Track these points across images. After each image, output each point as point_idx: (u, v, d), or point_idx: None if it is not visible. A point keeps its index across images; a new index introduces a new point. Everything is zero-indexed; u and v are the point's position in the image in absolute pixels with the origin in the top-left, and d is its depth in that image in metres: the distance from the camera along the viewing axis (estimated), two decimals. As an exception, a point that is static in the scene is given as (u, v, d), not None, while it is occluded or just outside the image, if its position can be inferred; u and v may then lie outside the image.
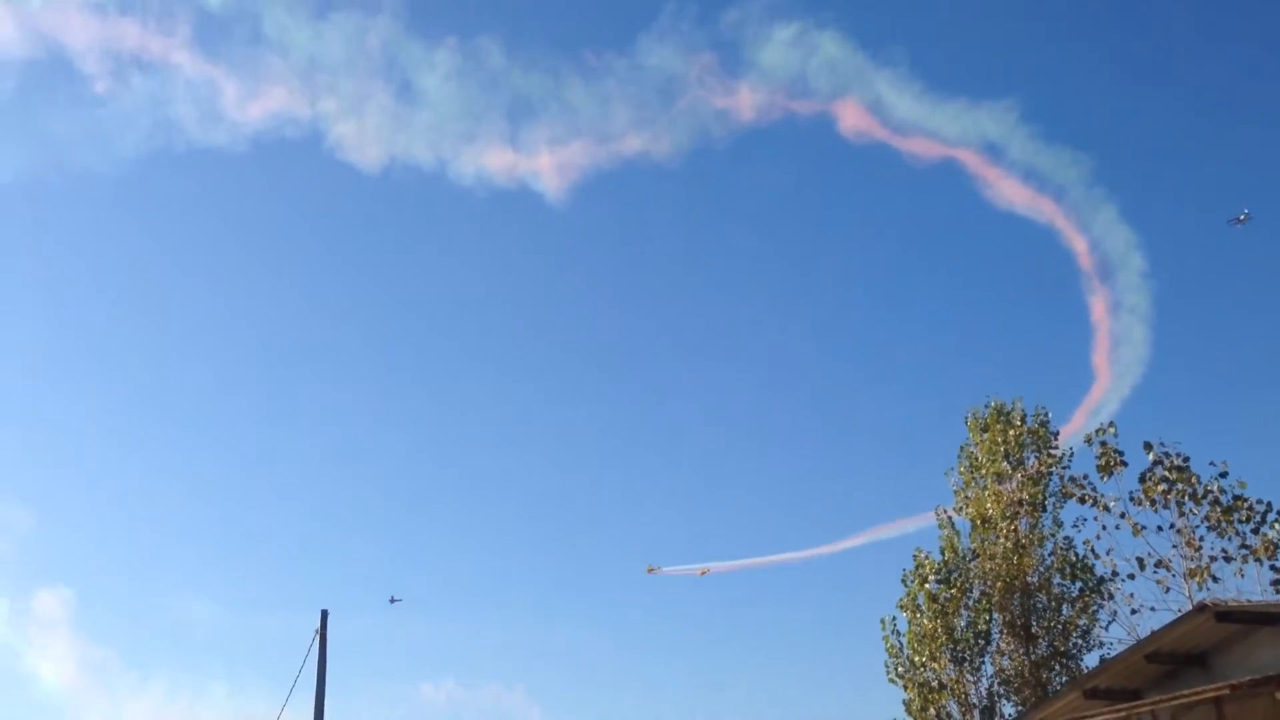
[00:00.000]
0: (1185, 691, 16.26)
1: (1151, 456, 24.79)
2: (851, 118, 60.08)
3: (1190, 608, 19.55)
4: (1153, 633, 17.54)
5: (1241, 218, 50.17)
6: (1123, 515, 25.07)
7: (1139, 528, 24.83)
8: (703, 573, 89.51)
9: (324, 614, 37.50)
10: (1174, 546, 24.36)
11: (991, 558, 28.71)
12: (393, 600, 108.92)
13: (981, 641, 28.65)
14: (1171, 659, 17.54)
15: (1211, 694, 15.81)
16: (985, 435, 29.84)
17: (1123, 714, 17.39)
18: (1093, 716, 17.85)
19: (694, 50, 63.49)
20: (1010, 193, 57.49)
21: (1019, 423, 29.44)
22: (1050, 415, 29.56)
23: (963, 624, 28.74)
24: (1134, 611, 25.48)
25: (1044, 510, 28.65)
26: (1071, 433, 30.22)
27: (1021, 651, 28.29)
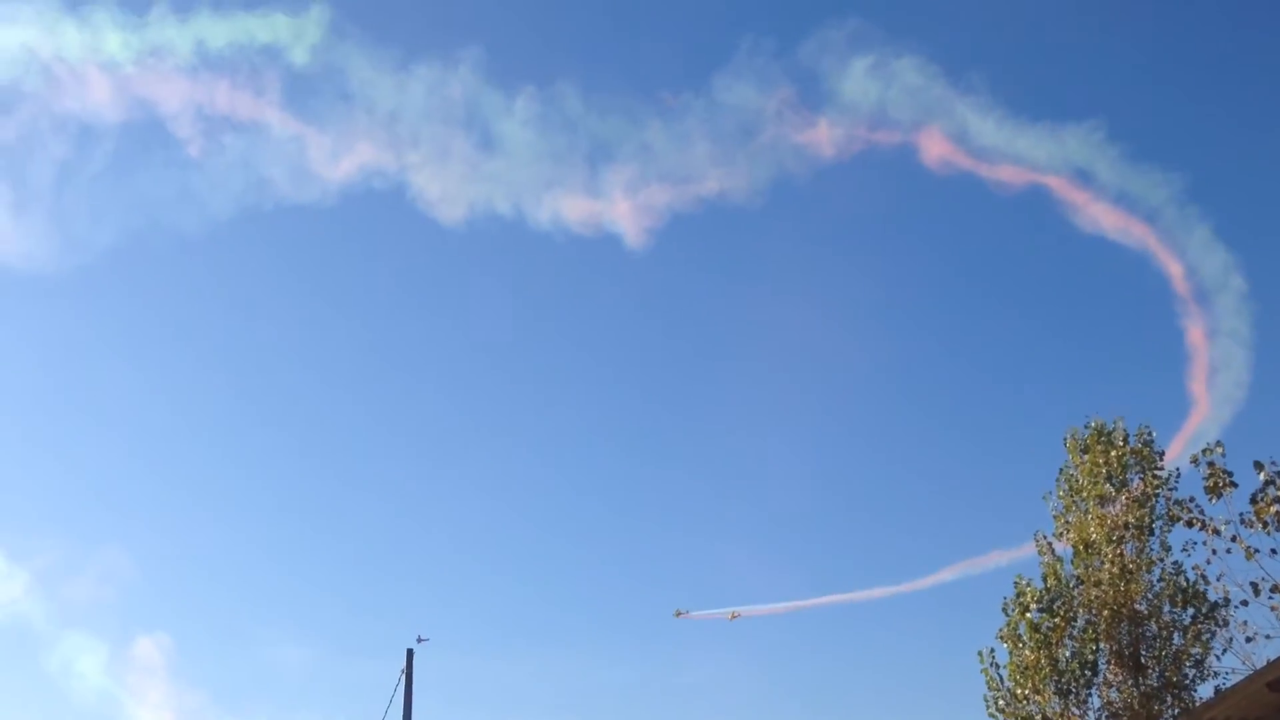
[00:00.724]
0: (1312, 721, 15.36)
1: (1263, 476, 23.44)
2: (934, 147, 59.22)
3: (1311, 634, 18.56)
4: (1275, 659, 16.55)
5: None
6: (1234, 539, 23.74)
7: (1251, 551, 23.54)
8: (733, 617, 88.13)
9: (409, 652, 37.54)
10: (1289, 571, 23.10)
11: (1096, 584, 27.53)
12: (420, 640, 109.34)
13: (1088, 673, 27.44)
14: (1295, 687, 16.56)
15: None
16: (1086, 457, 28.72)
17: (1245, 746, 16.47)
18: (1212, 749, 16.93)
19: (772, 85, 63.22)
20: (1100, 216, 56.09)
21: (1121, 443, 28.28)
22: (1155, 434, 28.35)
23: (1067, 654, 27.56)
24: (1249, 639, 24.22)
25: (1151, 534, 27.44)
26: (1169, 462, 28.94)
27: (1130, 683, 27.05)
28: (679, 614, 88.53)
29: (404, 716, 37.83)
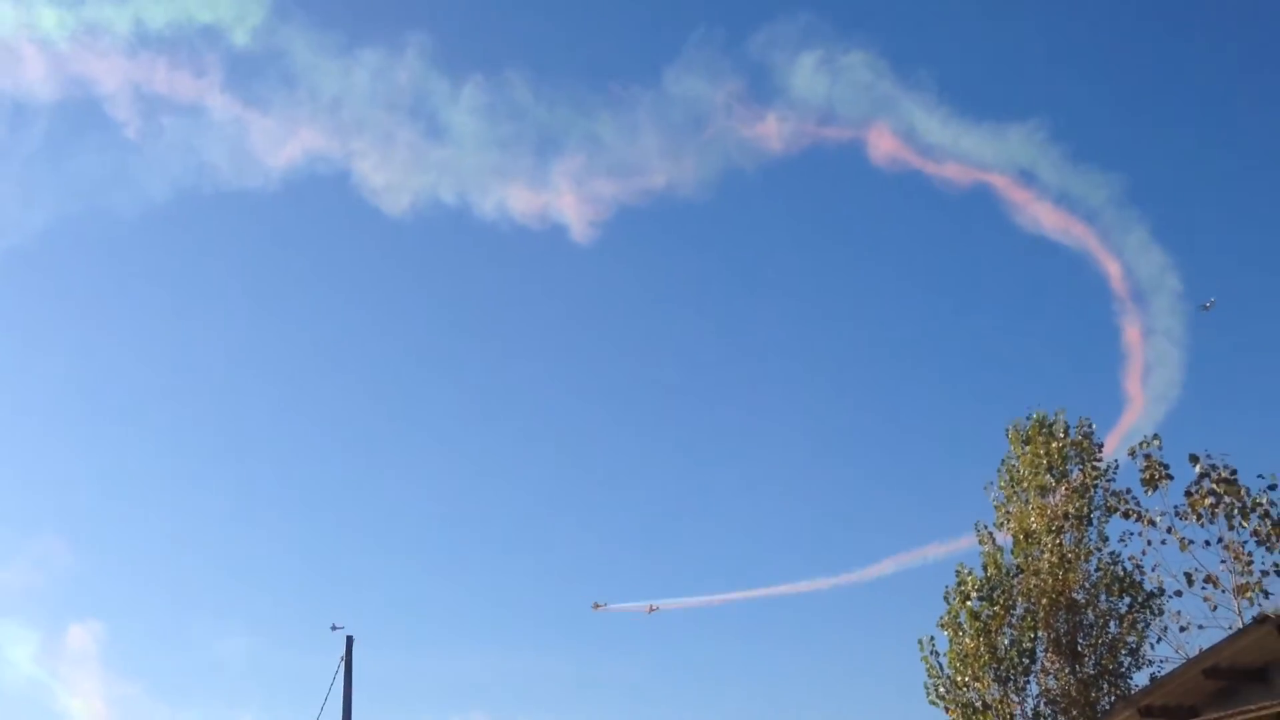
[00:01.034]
0: (1245, 708, 15.60)
1: (1199, 469, 23.93)
2: (881, 144, 59.45)
3: (1239, 625, 18.87)
4: (1212, 647, 16.80)
5: (1208, 305, 49.45)
6: (1169, 530, 24.22)
7: (1186, 542, 24.01)
8: (651, 610, 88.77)
9: (349, 640, 37.14)
10: (1222, 562, 23.51)
11: (1036, 573, 27.88)
12: (334, 629, 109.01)
13: (1026, 660, 27.81)
14: (1230, 674, 16.78)
15: (1273, 710, 15.20)
16: (1027, 448, 29.07)
17: (1181, 731, 16.73)
18: (1149, 735, 17.17)
19: (721, 78, 63.01)
20: (1042, 216, 56.70)
21: (1062, 435, 28.65)
22: (1095, 427, 28.74)
23: (1006, 642, 27.91)
24: (1183, 629, 24.70)
25: (1089, 524, 27.84)
26: (1106, 457, 29.36)
27: (1068, 670, 27.44)
28: (597, 606, 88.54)
29: (344, 704, 37.46)
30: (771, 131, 63.16)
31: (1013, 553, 28.90)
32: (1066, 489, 28.06)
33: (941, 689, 28.66)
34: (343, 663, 37.70)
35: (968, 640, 28.11)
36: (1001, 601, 28.06)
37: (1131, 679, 27.17)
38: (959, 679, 28.13)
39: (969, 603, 28.41)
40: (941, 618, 29.08)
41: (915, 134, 57.51)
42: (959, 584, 29.02)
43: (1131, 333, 52.42)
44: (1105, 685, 27.19)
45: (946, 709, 28.47)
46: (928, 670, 29.11)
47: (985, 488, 30.23)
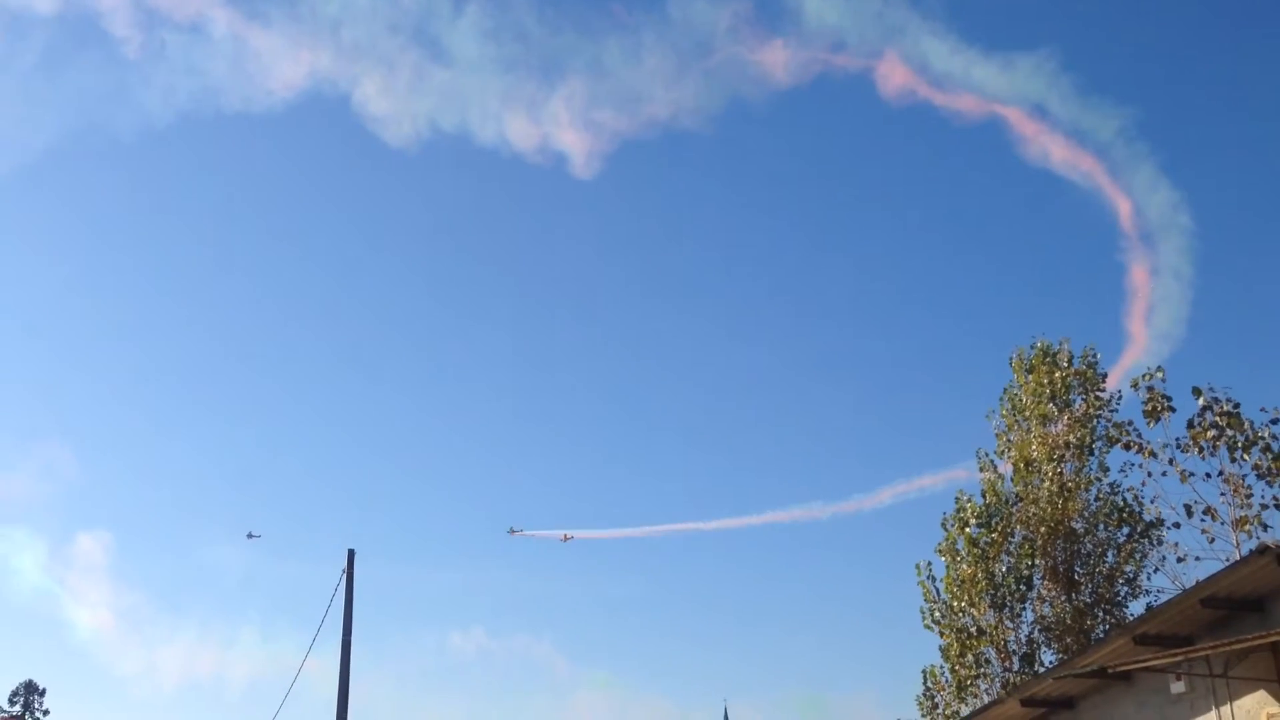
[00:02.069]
0: (1242, 637, 15.68)
1: (1201, 401, 23.88)
2: (892, 74, 58.37)
3: (1237, 557, 18.92)
4: (1210, 576, 16.85)
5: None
6: (1170, 462, 24.24)
7: (1186, 475, 24.05)
8: (565, 538, 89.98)
9: (350, 553, 37.29)
10: (1222, 494, 23.57)
11: (1035, 502, 27.93)
12: (250, 536, 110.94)
13: (1023, 587, 27.96)
14: (1228, 604, 16.86)
15: (1269, 639, 15.27)
16: (1030, 377, 28.95)
17: (1177, 659, 16.82)
18: (1145, 661, 17.28)
19: (728, 1, 61.43)
20: (1051, 150, 55.87)
21: (1066, 364, 28.49)
22: (1099, 356, 28.57)
23: (1004, 569, 28.07)
24: (1180, 560, 24.85)
25: (1090, 454, 27.78)
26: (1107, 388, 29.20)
27: (1064, 598, 27.60)
28: (513, 532, 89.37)
29: (345, 617, 37.78)
30: (779, 60, 61.90)
31: (1013, 481, 28.93)
32: (1068, 419, 27.98)
33: (937, 614, 28.89)
34: (344, 576, 37.97)
35: (965, 566, 28.27)
36: (1000, 529, 28.15)
37: (1128, 608, 27.35)
38: (955, 604, 28.33)
39: (967, 529, 28.51)
40: (939, 544, 29.23)
41: (926, 64, 56.55)
42: (958, 510, 29.11)
43: (1138, 271, 51.73)
44: (1101, 613, 27.37)
45: (941, 633, 28.71)
46: (924, 595, 29.33)
47: (987, 415, 30.21)
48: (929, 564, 29.49)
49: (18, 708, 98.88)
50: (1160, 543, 26.76)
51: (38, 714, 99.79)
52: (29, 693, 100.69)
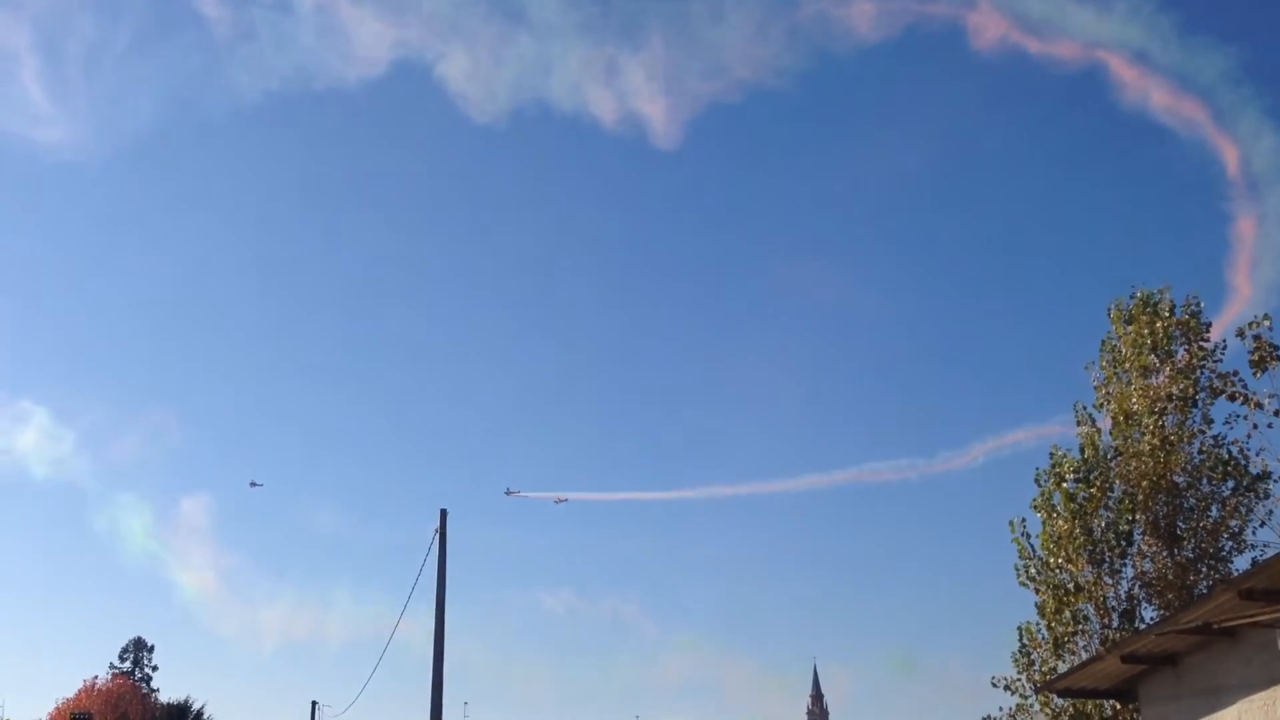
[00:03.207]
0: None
1: (1311, 350, 22.91)
2: (985, 24, 56.55)
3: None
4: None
5: None
6: (1276, 413, 23.28)
7: (1294, 426, 23.12)
8: (559, 500, 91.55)
9: (443, 513, 37.90)
10: (1332, 447, 22.67)
11: (1135, 456, 27.10)
12: (253, 484, 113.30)
13: (1122, 543, 27.22)
14: (1341, 558, 16.28)
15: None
16: (1130, 327, 28.01)
17: (1285, 615, 16.26)
18: (1252, 617, 16.74)
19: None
20: (1152, 94, 53.74)
21: (1168, 314, 27.50)
22: (1203, 305, 27.52)
23: (1102, 525, 27.35)
24: (1288, 515, 24.03)
25: (1193, 406, 26.84)
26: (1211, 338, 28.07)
27: (1166, 553, 26.82)
28: (509, 493, 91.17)
29: (438, 577, 38.37)
30: (866, 13, 60.38)
31: (1111, 434, 28.12)
32: (1170, 370, 27.05)
33: (1033, 570, 28.29)
34: (437, 536, 38.46)
35: (1061, 522, 27.59)
36: (1098, 484, 27.40)
37: (1232, 563, 26.49)
38: (1051, 560, 27.69)
39: (1064, 484, 27.81)
40: (1034, 499, 28.56)
41: (1017, 10, 54.71)
42: (1053, 466, 28.40)
43: (1244, 221, 49.55)
44: (1204, 569, 26.56)
45: (1037, 590, 28.13)
46: (1019, 551, 28.73)
47: (1086, 367, 29.34)
48: (1023, 520, 28.87)
49: (128, 664, 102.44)
50: (1267, 496, 25.88)
51: (147, 670, 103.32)
52: (138, 649, 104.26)
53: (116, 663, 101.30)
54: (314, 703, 77.92)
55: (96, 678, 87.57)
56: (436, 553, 38.43)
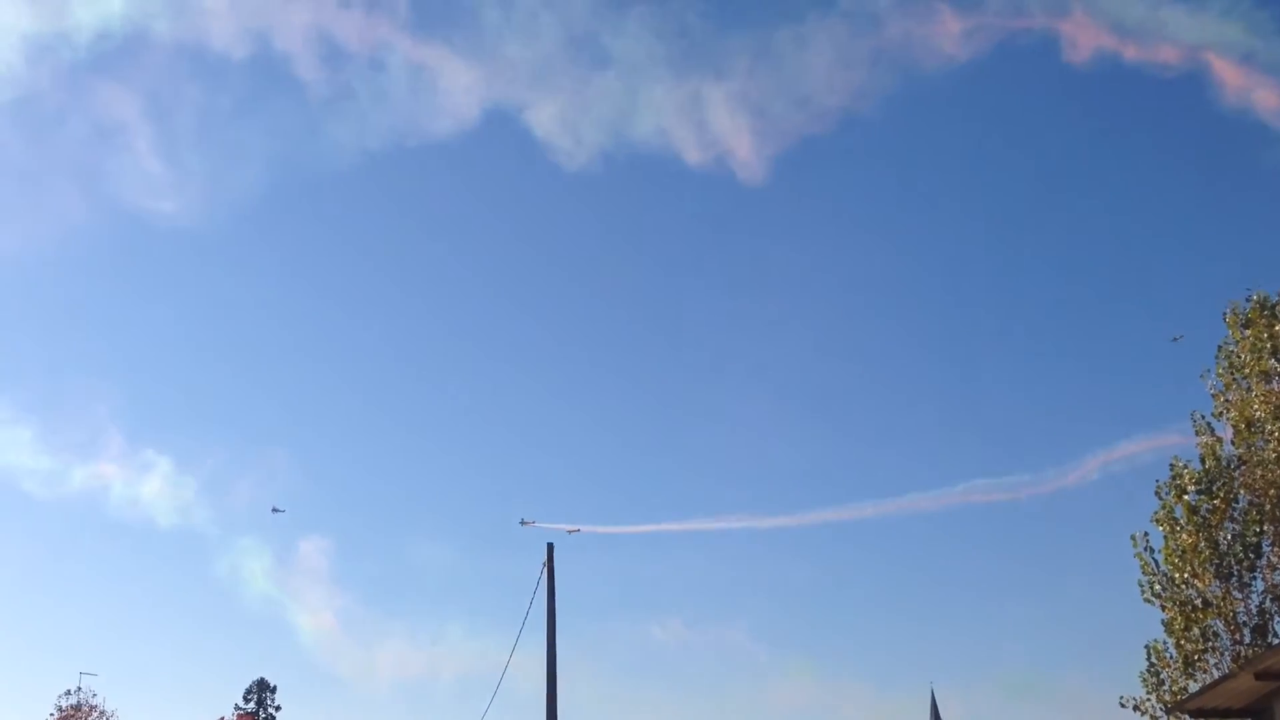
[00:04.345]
0: None
1: None
2: (1077, 33, 55.20)
3: None
4: None
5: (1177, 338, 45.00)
6: None
7: None
8: (571, 531, 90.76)
9: (550, 547, 37.95)
10: None
11: (1260, 464, 26.13)
12: (275, 510, 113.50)
13: (1251, 555, 26.21)
14: None
15: None
16: (1248, 332, 27.09)
17: None
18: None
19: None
20: (1257, 96, 51.87)
21: (1286, 317, 26.51)
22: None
23: (1229, 537, 26.39)
24: None
25: (1319, 410, 25.86)
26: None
27: (1298, 565, 25.83)
28: (524, 523, 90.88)
29: (548, 609, 38.43)
30: (953, 31, 59.15)
31: (1233, 443, 27.16)
32: (1294, 374, 26.10)
33: (1158, 587, 27.40)
34: (544, 570, 38.61)
35: (1185, 536, 26.70)
36: (1222, 494, 26.47)
37: (1370, 574, 25.40)
38: (1177, 576, 26.78)
39: (1185, 497, 26.92)
40: (1156, 513, 27.68)
41: (1113, 18, 53.29)
42: (1174, 478, 27.52)
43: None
44: (1339, 579, 25.52)
45: (1163, 607, 27.23)
46: (1142, 567, 27.86)
47: (1201, 376, 28.42)
48: (1145, 535, 28.00)
49: (251, 704, 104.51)
50: (1404, 503, 24.80)
51: (270, 710, 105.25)
52: (261, 690, 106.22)
53: (241, 704, 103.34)
54: (432, 739, 78.50)
55: (222, 718, 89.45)
56: (545, 586, 38.55)
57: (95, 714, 76.73)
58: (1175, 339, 43.08)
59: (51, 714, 75.24)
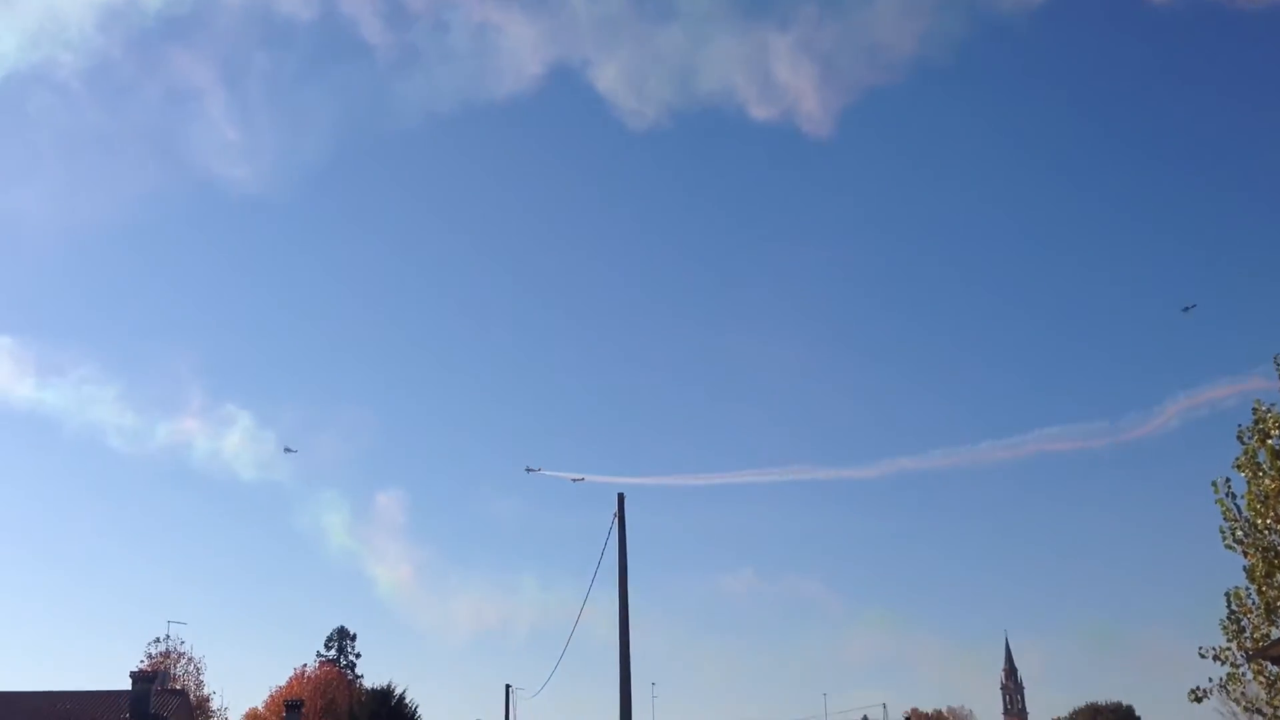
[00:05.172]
0: None
1: None
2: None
3: None
4: None
5: (1189, 308, 43.33)
6: None
7: None
8: (575, 480, 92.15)
9: (620, 497, 38.24)
10: None
11: (1347, 405, 25.44)
12: (287, 450, 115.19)
13: (1337, 500, 25.59)
14: None
15: None
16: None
17: None
18: None
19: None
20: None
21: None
22: None
23: (1314, 481, 25.71)
24: None
25: None
26: None
27: (1384, 509, 25.11)
28: (529, 470, 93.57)
29: (619, 559, 38.73)
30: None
31: (1321, 386, 26.41)
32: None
33: (1239, 533, 26.83)
34: (615, 520, 38.82)
35: (1268, 481, 26.05)
36: (1308, 438, 25.75)
37: None
38: (1259, 522, 26.18)
39: (1269, 441, 26.24)
40: (1238, 458, 27.02)
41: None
42: (1256, 422, 26.81)
43: None
44: None
45: (1245, 553, 26.67)
46: (1223, 513, 27.27)
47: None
48: (1227, 480, 27.37)
49: (333, 652, 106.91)
50: None
51: (350, 657, 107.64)
52: (341, 638, 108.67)
53: (322, 651, 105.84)
54: (508, 686, 79.84)
55: (305, 665, 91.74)
56: (616, 537, 38.80)
57: (184, 660, 79.37)
58: (1186, 309, 42.07)
59: (142, 661, 77.98)
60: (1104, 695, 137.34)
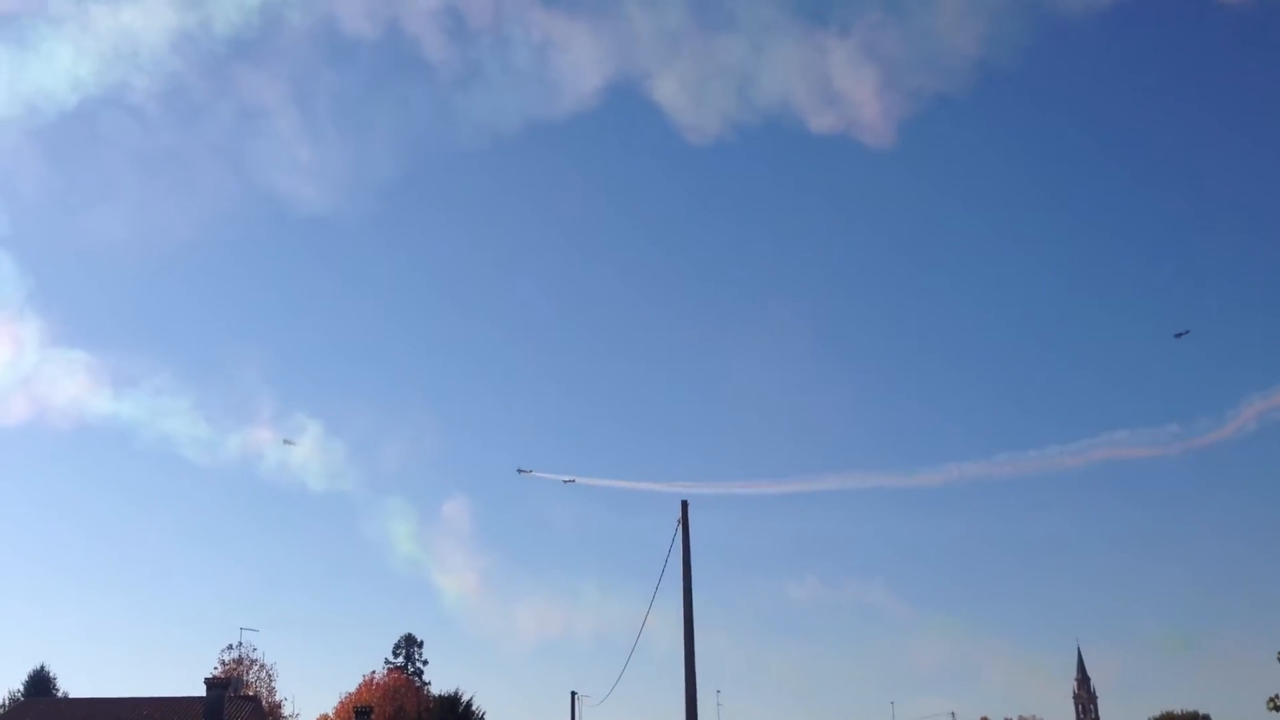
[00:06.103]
0: None
1: None
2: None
3: None
4: None
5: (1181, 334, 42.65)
6: None
7: None
8: (567, 481, 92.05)
9: (684, 504, 38.44)
10: None
11: None
12: (285, 442, 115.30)
13: None
14: None
15: None
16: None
17: None
18: None
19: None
20: None
21: None
22: None
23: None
24: None
25: None
26: None
27: None
28: (521, 471, 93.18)
29: (683, 566, 38.93)
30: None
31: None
32: None
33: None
34: (679, 526, 39.06)
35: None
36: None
37: None
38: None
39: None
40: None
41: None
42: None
43: None
44: None
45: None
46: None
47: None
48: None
49: (400, 659, 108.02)
50: None
51: (418, 664, 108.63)
52: (409, 645, 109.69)
53: (390, 658, 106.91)
54: (573, 693, 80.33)
55: (374, 672, 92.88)
56: (680, 544, 39.01)
57: (256, 666, 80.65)
58: (1179, 335, 41.55)
59: (216, 667, 79.31)
60: (1180, 704, 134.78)
